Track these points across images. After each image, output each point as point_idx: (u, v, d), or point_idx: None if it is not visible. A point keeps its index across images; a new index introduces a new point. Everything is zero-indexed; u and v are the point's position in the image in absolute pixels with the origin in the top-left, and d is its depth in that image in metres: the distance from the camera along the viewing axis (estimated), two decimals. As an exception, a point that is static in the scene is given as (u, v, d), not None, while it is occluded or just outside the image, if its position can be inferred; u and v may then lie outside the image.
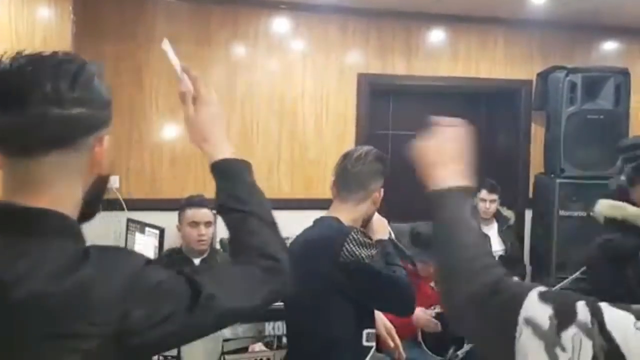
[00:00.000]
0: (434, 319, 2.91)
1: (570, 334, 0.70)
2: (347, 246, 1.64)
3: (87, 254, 0.79)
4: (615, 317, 0.70)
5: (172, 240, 3.90)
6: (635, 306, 0.70)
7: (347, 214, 1.79)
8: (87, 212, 0.89)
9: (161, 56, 4.51)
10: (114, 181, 3.91)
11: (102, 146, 0.86)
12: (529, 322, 0.74)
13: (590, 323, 0.70)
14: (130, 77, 3.93)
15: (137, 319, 0.77)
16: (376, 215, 1.89)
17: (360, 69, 4.23)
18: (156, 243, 3.71)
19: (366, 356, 1.71)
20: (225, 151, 1.10)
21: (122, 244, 3.91)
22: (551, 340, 0.71)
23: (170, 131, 4.05)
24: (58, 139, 0.80)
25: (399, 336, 2.99)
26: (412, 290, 1.77)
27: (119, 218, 3.90)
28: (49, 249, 0.78)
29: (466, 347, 2.84)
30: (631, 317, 0.69)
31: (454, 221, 0.95)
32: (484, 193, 3.96)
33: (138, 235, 3.85)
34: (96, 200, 0.89)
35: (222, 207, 1.07)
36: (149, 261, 0.86)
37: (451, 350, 2.81)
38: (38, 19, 3.54)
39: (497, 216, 4.09)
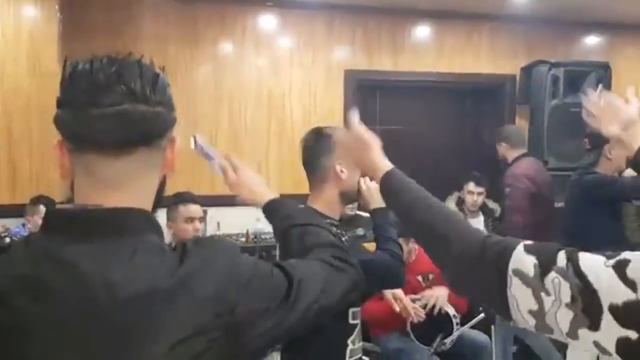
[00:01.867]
0: (413, 306, 2.90)
1: (550, 278, 0.77)
2: None
3: (186, 248, 0.80)
4: (588, 260, 0.77)
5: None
6: (607, 252, 0.78)
7: (319, 200, 1.80)
8: None
9: (148, 54, 4.48)
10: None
11: (173, 147, 0.86)
12: (516, 272, 0.80)
13: (566, 267, 0.77)
14: (118, 75, 3.95)
15: (243, 311, 0.79)
16: (364, 185, 1.81)
17: (347, 65, 4.28)
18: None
19: (352, 333, 1.76)
20: (269, 195, 1.33)
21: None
22: (537, 285, 0.78)
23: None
24: (145, 135, 0.80)
25: (388, 326, 3.07)
26: (393, 267, 1.76)
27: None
28: (143, 247, 0.78)
29: (453, 335, 2.90)
30: (602, 258, 0.77)
31: (422, 197, 1.05)
32: (471, 186, 4.00)
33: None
34: (158, 201, 0.87)
35: (283, 231, 1.19)
36: (240, 250, 0.88)
37: (438, 339, 2.86)
38: (24, 18, 3.55)
39: (484, 209, 4.15)
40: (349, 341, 1.77)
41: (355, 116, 1.32)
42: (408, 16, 4.37)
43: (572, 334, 0.76)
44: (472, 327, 3.01)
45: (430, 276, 3.17)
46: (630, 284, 0.72)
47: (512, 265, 0.81)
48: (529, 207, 3.60)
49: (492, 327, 2.89)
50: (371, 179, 1.17)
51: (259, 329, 0.81)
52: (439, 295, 2.98)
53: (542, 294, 0.78)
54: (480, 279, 0.86)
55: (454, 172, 4.55)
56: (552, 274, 0.77)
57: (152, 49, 3.99)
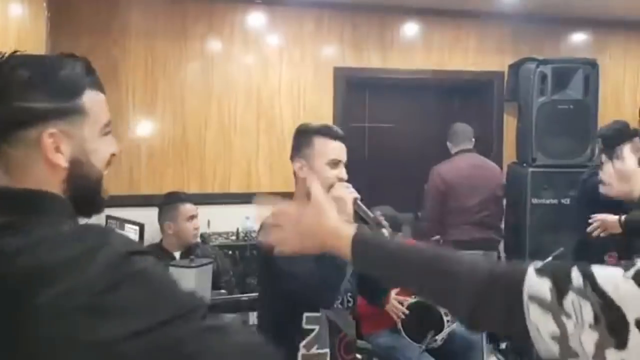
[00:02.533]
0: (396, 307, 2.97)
1: (569, 300, 0.75)
2: None
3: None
4: (605, 274, 0.75)
5: (151, 235, 3.91)
6: (623, 262, 0.76)
7: (293, 201, 1.84)
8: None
9: (136, 51, 4.53)
10: (92, 178, 3.91)
11: (45, 141, 0.86)
12: (532, 299, 0.78)
13: (584, 285, 0.74)
14: (105, 73, 3.86)
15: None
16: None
17: (336, 62, 4.27)
18: (136, 239, 3.72)
19: (305, 338, 1.78)
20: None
21: (101, 241, 3.92)
22: (556, 309, 0.76)
23: (147, 127, 4.04)
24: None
25: (378, 324, 3.08)
26: (313, 281, 1.70)
27: (97, 215, 3.89)
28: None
29: (444, 332, 2.92)
30: (619, 271, 0.74)
31: (404, 249, 0.98)
32: None
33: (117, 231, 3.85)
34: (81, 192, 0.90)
35: None
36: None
37: (429, 336, 2.87)
38: (11, 16, 3.49)
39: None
40: (300, 345, 1.78)
41: (315, 182, 1.13)
42: (396, 14, 4.37)
43: (599, 356, 0.73)
44: (463, 323, 3.03)
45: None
46: None
47: (526, 292, 0.78)
48: (435, 205, 3.78)
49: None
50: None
51: None
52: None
53: (563, 317, 0.75)
54: (495, 312, 0.83)
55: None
56: (571, 295, 0.75)
57: (140, 45, 3.97)
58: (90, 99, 0.90)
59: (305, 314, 1.81)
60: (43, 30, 3.55)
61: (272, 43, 4.19)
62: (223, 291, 2.90)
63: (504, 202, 4.36)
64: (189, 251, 3.18)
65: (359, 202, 1.75)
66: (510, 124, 4.63)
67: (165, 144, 4.05)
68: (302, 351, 1.79)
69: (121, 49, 3.91)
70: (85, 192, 0.89)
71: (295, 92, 4.23)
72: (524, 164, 4.26)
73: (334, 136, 1.86)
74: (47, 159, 0.84)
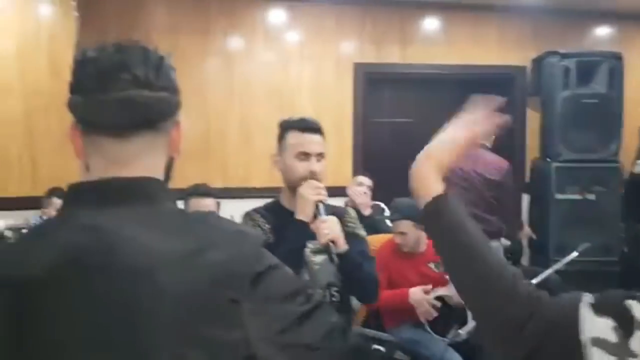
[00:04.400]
0: (430, 304, 2.88)
1: (637, 338, 0.69)
2: None
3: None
4: None
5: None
6: None
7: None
8: None
9: (162, 48, 4.56)
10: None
11: (179, 130, 0.90)
12: (596, 342, 0.71)
13: None
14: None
15: None
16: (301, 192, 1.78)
17: (356, 58, 4.28)
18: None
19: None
20: None
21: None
22: (623, 351, 0.70)
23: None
24: (149, 119, 0.84)
25: (400, 318, 3.06)
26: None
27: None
28: (163, 212, 0.84)
29: (469, 325, 2.88)
30: None
31: (461, 232, 0.89)
32: None
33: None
34: (166, 181, 0.91)
35: None
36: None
37: (453, 330, 2.84)
38: (42, 17, 3.58)
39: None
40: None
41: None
42: (416, 9, 4.36)
43: None
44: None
45: (443, 260, 3.16)
46: None
47: (587, 336, 0.72)
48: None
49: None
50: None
51: None
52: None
53: (630, 359, 0.70)
54: (534, 352, 0.75)
55: (464, 165, 4.53)
56: (638, 333, 0.70)
57: (165, 41, 4.01)
58: None
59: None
60: (73, 30, 3.64)
61: (293, 39, 4.21)
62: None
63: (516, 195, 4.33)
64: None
65: (320, 205, 1.74)
66: (533, 119, 4.58)
67: (188, 139, 4.08)
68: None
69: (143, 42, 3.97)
70: (170, 177, 0.93)
71: (316, 87, 4.24)
72: (548, 159, 4.21)
73: (303, 128, 1.85)
74: (174, 146, 0.90)
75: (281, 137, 1.92)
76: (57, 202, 3.47)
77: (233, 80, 4.13)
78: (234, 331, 0.75)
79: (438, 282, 3.09)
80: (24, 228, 3.40)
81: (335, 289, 1.89)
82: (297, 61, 4.21)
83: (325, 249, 1.73)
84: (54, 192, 3.48)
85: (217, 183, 4.07)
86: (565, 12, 4.46)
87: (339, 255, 1.73)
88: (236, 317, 0.76)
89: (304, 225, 1.75)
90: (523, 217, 4.60)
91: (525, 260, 4.42)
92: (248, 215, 1.89)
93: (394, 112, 4.58)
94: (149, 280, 0.75)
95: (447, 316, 2.94)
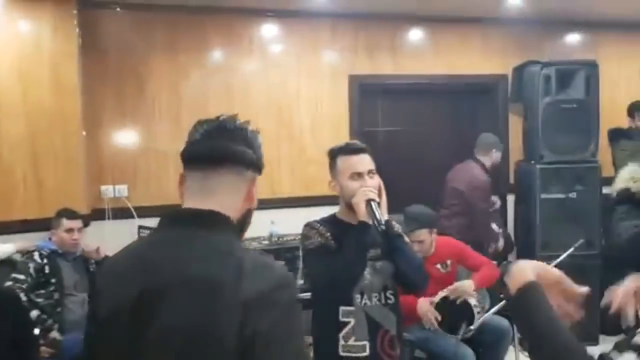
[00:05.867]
0: (434, 316, 3.12)
1: None
2: None
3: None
4: None
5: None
6: None
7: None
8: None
9: (161, 65, 4.72)
10: (123, 190, 4.02)
11: (254, 185, 1.15)
12: None
13: None
14: (133, 87, 4.04)
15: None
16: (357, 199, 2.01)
17: (351, 70, 4.46)
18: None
19: (343, 330, 2.03)
20: None
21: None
22: None
23: (174, 137, 4.15)
24: (227, 158, 1.11)
25: (410, 319, 3.25)
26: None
27: (129, 226, 4.00)
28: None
29: (477, 322, 3.09)
30: None
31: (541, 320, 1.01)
32: None
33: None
34: (244, 227, 1.16)
35: None
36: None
37: (463, 326, 3.04)
38: (44, 36, 3.61)
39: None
40: (340, 336, 2.01)
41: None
42: (406, 22, 4.57)
43: None
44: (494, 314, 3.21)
45: (449, 262, 3.37)
46: None
47: None
48: None
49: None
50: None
51: None
52: (463, 287, 3.20)
53: None
54: None
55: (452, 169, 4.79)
56: None
57: (164, 60, 4.10)
58: None
59: (341, 308, 2.02)
60: (75, 50, 3.67)
61: (289, 53, 4.36)
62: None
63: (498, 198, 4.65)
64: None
65: (372, 204, 1.95)
66: (514, 124, 4.85)
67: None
68: (341, 341, 2.02)
69: (147, 64, 4.04)
70: (248, 224, 1.19)
71: (313, 99, 4.40)
72: (532, 161, 4.48)
73: (350, 152, 2.07)
74: (251, 199, 1.15)
75: (332, 164, 2.10)
76: (66, 223, 3.48)
77: (232, 95, 4.25)
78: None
79: (444, 282, 3.31)
80: (35, 251, 3.39)
81: (390, 292, 2.09)
82: (294, 74, 4.36)
83: (384, 224, 1.92)
84: (62, 213, 3.46)
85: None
86: (543, 23, 4.74)
87: (384, 223, 1.93)
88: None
89: (364, 231, 1.93)
90: (509, 216, 4.88)
91: (512, 257, 4.69)
92: (309, 225, 2.06)
93: (387, 121, 4.78)
94: (182, 296, 0.97)
95: (455, 315, 3.14)
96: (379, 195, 2.00)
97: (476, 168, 4.31)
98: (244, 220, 1.15)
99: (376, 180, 2.03)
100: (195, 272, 0.98)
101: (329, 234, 2.03)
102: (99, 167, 4.00)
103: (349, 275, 1.97)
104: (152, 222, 4.29)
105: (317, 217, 2.15)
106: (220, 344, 0.92)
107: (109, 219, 3.97)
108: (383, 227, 1.93)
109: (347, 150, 2.06)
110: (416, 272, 2.10)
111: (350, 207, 2.01)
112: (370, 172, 2.03)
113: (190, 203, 1.11)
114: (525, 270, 1.08)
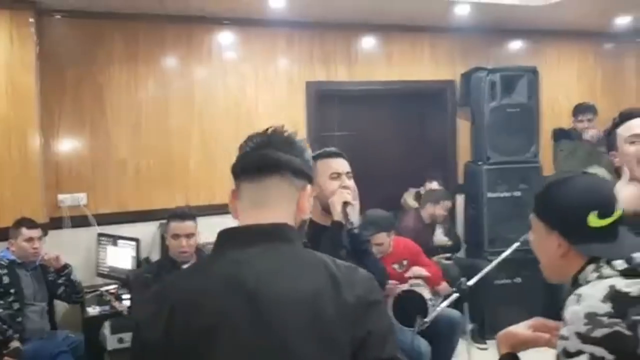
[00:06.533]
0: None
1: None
2: None
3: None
4: None
5: (146, 250, 4.08)
6: None
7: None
8: None
9: (120, 75, 4.77)
10: (82, 199, 4.03)
11: (304, 195, 1.16)
12: None
13: None
14: (91, 96, 4.05)
15: None
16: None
17: (308, 77, 4.59)
18: (133, 253, 3.89)
19: None
20: None
21: (93, 258, 4.05)
22: None
23: (133, 146, 4.19)
24: (278, 166, 1.12)
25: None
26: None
27: (89, 234, 4.02)
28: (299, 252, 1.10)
29: (431, 315, 3.28)
30: None
31: None
32: (434, 184, 4.58)
33: (110, 247, 4.00)
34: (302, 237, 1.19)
35: None
36: None
37: (418, 320, 3.22)
38: (0, 45, 3.58)
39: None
40: None
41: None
42: (360, 30, 4.75)
43: None
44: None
45: (404, 262, 3.56)
46: None
47: None
48: None
49: (465, 304, 3.30)
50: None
51: None
52: (418, 269, 3.49)
53: None
54: None
55: (404, 171, 5.03)
56: None
57: (124, 70, 4.13)
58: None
59: None
60: (33, 59, 3.66)
61: (247, 61, 4.46)
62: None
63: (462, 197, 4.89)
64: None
65: (348, 206, 2.10)
66: (462, 127, 5.11)
67: (151, 162, 4.23)
68: None
69: (106, 74, 4.06)
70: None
71: (272, 105, 4.52)
72: (479, 162, 4.74)
73: (329, 155, 2.23)
74: (302, 209, 1.16)
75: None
76: (26, 232, 3.45)
77: (192, 103, 4.31)
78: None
79: (400, 280, 3.50)
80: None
81: None
82: (253, 82, 4.46)
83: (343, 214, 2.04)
84: (22, 222, 3.45)
85: (181, 202, 4.24)
86: (488, 32, 5.02)
87: (352, 227, 2.05)
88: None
89: (338, 231, 2.06)
90: (458, 216, 5.12)
91: (462, 254, 4.93)
92: None
93: (343, 126, 4.94)
94: (292, 307, 0.99)
95: (411, 309, 3.31)
96: (354, 199, 2.13)
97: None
98: (301, 231, 1.17)
99: (352, 183, 2.17)
100: (296, 285, 1.01)
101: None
102: (57, 175, 3.99)
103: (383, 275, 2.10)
104: (112, 229, 4.35)
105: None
106: (337, 351, 0.98)
107: (67, 227, 3.97)
108: (356, 230, 2.07)
109: (327, 154, 2.22)
110: (381, 274, 2.24)
111: (325, 209, 2.12)
112: (348, 173, 2.18)
113: (249, 217, 1.11)
114: (499, 345, 1.35)
